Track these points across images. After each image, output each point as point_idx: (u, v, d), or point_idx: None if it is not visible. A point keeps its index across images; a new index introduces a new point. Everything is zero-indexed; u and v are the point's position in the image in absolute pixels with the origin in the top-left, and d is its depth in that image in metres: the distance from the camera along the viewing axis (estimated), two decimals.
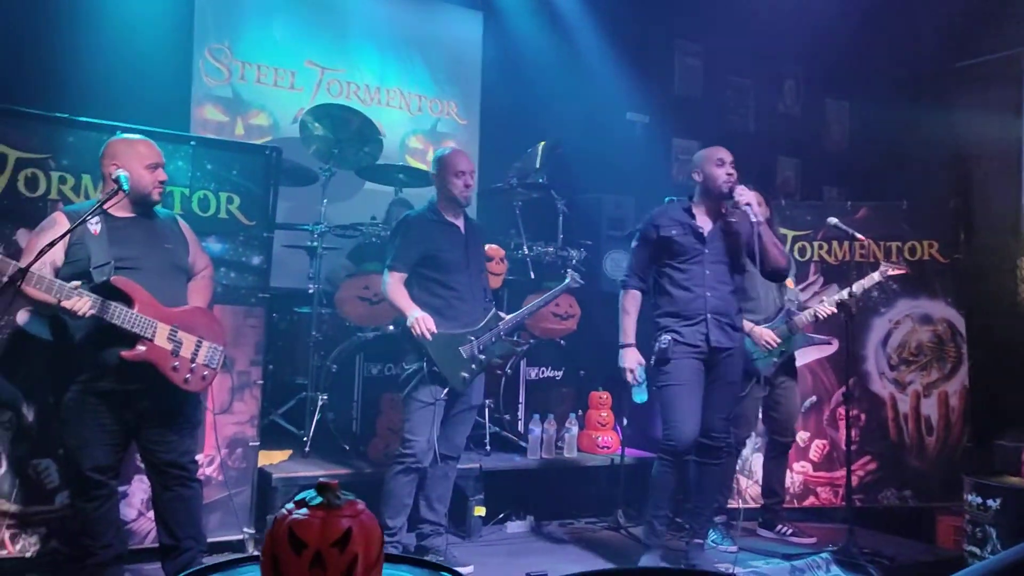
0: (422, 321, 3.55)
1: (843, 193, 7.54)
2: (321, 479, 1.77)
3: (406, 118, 6.02)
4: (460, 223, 3.82)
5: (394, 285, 3.68)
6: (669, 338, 3.68)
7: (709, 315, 3.68)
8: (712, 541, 4.24)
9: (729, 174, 3.74)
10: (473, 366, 3.70)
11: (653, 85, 6.66)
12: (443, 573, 1.93)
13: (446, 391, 3.64)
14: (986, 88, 6.80)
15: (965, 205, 6.67)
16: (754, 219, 3.65)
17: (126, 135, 3.21)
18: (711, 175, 3.76)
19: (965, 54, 6.88)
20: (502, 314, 3.88)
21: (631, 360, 3.77)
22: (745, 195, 3.67)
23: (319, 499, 1.71)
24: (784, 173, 7.64)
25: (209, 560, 3.07)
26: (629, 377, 3.79)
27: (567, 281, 4.20)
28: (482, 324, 3.76)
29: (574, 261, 5.11)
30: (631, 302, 3.82)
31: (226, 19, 5.43)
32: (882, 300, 5.02)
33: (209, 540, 3.37)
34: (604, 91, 6.37)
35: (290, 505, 1.71)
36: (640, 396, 4.10)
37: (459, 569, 3.59)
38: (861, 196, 6.33)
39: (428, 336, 3.55)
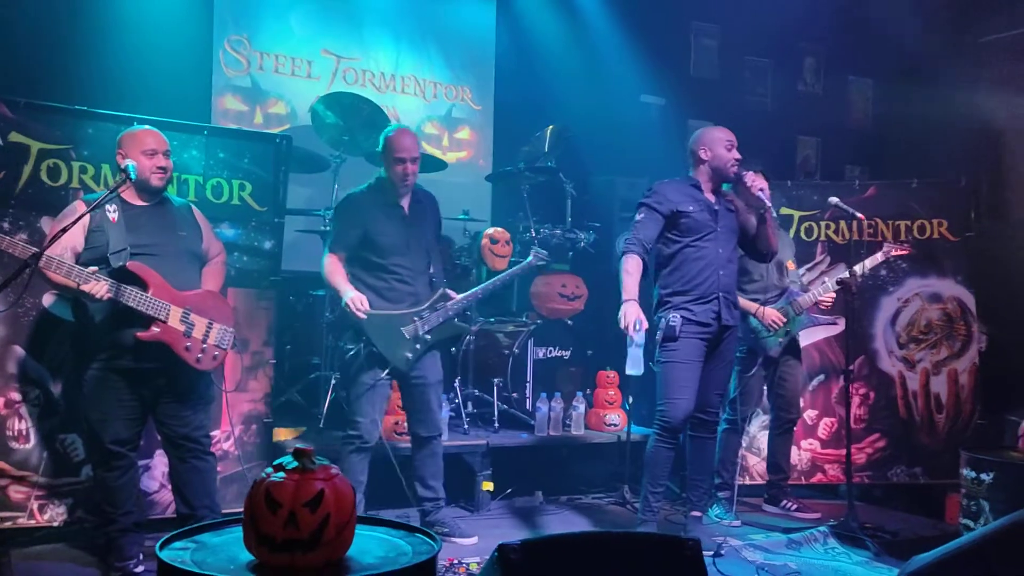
0: (356, 301, 3.54)
1: (865, 172, 7.49)
2: (298, 447, 1.91)
3: (421, 104, 6.14)
4: (405, 203, 3.75)
5: (330, 266, 3.66)
6: (679, 316, 3.69)
7: (721, 294, 3.74)
8: (716, 515, 4.33)
9: (737, 159, 3.78)
10: (417, 346, 3.68)
11: (668, 67, 6.68)
12: (417, 534, 2.07)
13: (387, 371, 3.66)
14: (1011, 63, 6.71)
15: (988, 182, 6.62)
16: (768, 204, 3.73)
17: (137, 126, 3.38)
18: (720, 157, 3.77)
19: (989, 29, 6.78)
20: (451, 292, 3.82)
21: (632, 312, 3.56)
22: (758, 181, 3.72)
23: (295, 463, 1.85)
24: (804, 152, 7.60)
25: None
26: (630, 330, 3.58)
27: (529, 259, 4.14)
28: (427, 304, 3.73)
29: (582, 244, 5.20)
30: (634, 265, 3.65)
31: (244, 11, 5.60)
32: (890, 279, 5.03)
33: (226, 511, 3.54)
34: (619, 74, 6.41)
35: (269, 469, 1.86)
36: (635, 367, 3.95)
37: (463, 540, 3.75)
38: (885, 175, 6.29)
39: (362, 315, 3.53)
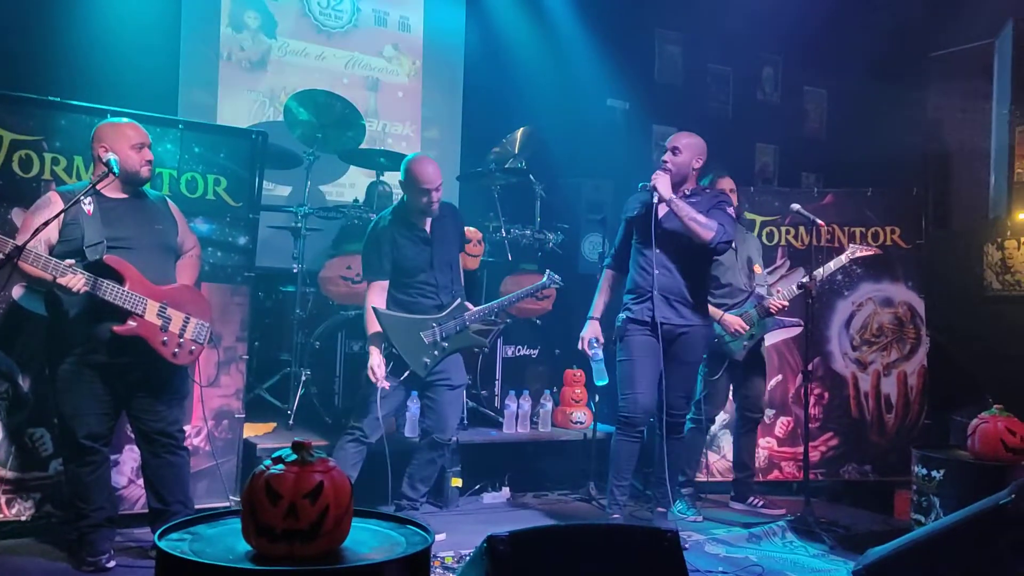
0: (375, 371, 3.68)
1: (820, 179, 7.73)
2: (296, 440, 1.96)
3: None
4: (427, 224, 3.90)
5: (372, 300, 3.79)
6: (624, 316, 3.96)
7: (656, 292, 3.88)
8: (678, 511, 4.43)
9: (663, 160, 3.95)
10: (435, 352, 3.80)
11: (634, 72, 6.82)
12: (409, 526, 2.12)
13: (405, 374, 3.76)
14: (958, 78, 6.99)
15: (935, 192, 6.89)
16: (655, 201, 3.85)
17: (113, 119, 3.35)
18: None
19: (938, 44, 7.06)
20: (468, 304, 3.96)
21: (588, 331, 4.04)
22: (654, 179, 3.87)
23: (294, 456, 1.90)
24: (762, 159, 7.82)
25: None
26: (580, 344, 4.06)
27: (544, 280, 4.31)
28: (447, 312, 3.86)
29: (550, 244, 5.28)
30: (605, 280, 4.14)
31: (213, 5, 5.55)
32: (846, 283, 5.22)
33: (197, 506, 3.54)
34: (585, 77, 6.52)
35: (268, 461, 1.90)
36: (600, 378, 4.17)
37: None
38: (838, 183, 6.51)
39: (382, 385, 3.68)
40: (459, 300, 3.93)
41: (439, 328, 3.82)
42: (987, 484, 3.14)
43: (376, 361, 3.71)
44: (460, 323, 3.88)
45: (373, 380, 3.69)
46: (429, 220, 3.90)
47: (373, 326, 3.75)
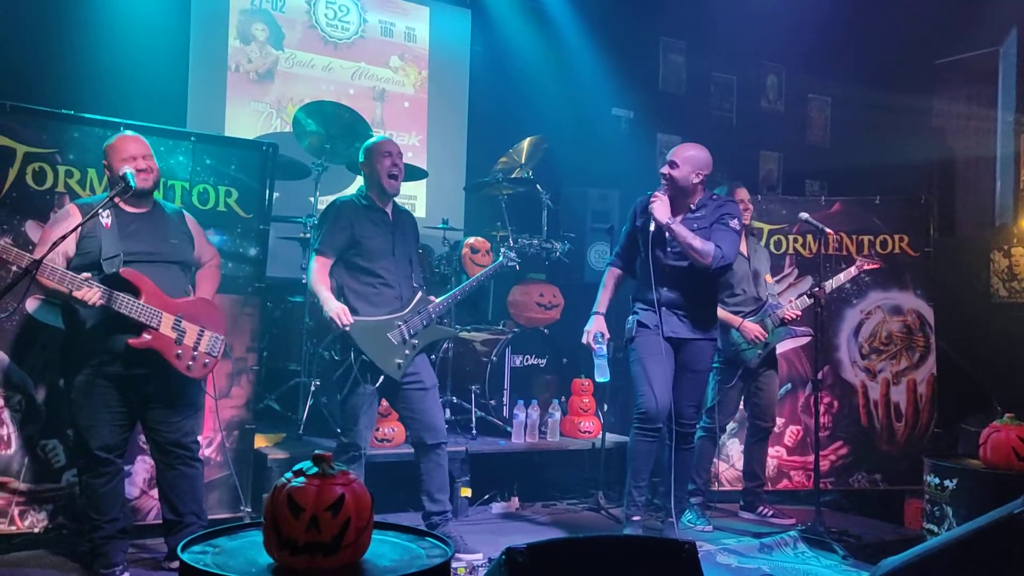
0: (340, 313, 3.55)
1: (824, 187, 7.76)
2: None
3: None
4: (388, 209, 3.82)
5: (318, 271, 3.66)
6: (634, 319, 3.94)
7: (663, 308, 3.86)
8: (688, 521, 4.43)
9: (662, 173, 3.93)
10: (406, 351, 3.68)
11: (638, 81, 6.85)
12: (428, 538, 2.13)
13: (380, 380, 3.63)
14: (964, 85, 7.03)
15: (942, 199, 6.92)
16: (652, 225, 3.81)
17: (120, 133, 3.37)
18: None
19: (944, 52, 7.10)
20: (432, 297, 3.85)
21: (593, 325, 3.98)
22: (652, 204, 3.82)
23: (315, 469, 1.90)
24: (767, 167, 7.84)
25: None
26: (584, 338, 3.99)
27: (500, 260, 4.24)
28: (409, 308, 3.74)
29: (557, 253, 5.30)
30: (609, 277, 4.10)
31: (222, 18, 5.58)
32: (854, 292, 5.23)
33: (209, 517, 3.54)
34: (590, 87, 6.56)
35: (289, 474, 1.91)
36: (601, 375, 4.09)
37: (467, 556, 3.66)
38: (842, 190, 6.53)
39: (346, 327, 3.55)
40: (420, 294, 3.81)
41: (405, 326, 3.69)
42: (1001, 493, 3.13)
43: (333, 306, 3.57)
44: (425, 317, 3.76)
45: (346, 321, 3.55)
46: (390, 207, 3.82)
47: (320, 286, 3.64)
